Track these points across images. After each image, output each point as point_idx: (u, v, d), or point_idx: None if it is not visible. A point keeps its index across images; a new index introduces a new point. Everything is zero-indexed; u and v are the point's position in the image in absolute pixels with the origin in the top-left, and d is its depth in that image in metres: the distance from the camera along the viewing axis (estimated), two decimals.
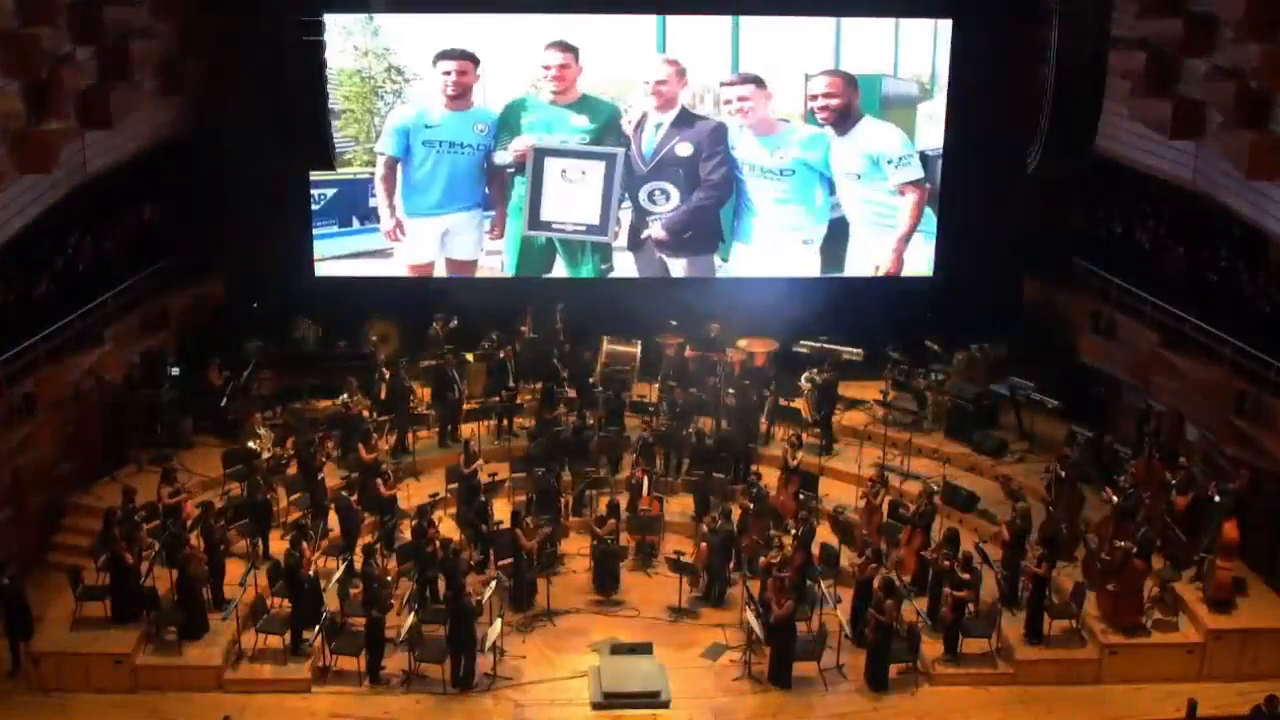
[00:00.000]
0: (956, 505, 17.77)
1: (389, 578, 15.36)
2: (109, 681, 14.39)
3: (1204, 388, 17.36)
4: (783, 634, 14.65)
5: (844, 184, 20.96)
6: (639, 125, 20.69)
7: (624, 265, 21.34)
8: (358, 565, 15.56)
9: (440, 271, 21.19)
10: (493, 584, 15.63)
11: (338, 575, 15.50)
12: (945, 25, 20.49)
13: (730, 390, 19.22)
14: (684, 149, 20.76)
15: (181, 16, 19.10)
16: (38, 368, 16.80)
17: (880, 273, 21.33)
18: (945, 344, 20.46)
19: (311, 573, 15.08)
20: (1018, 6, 19.99)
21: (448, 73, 20.31)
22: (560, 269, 21.31)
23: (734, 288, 21.24)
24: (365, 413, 18.72)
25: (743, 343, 20.83)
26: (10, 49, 15.06)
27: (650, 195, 20.93)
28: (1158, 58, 17.48)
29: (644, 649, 15.02)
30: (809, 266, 21.30)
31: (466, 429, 19.24)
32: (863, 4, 20.30)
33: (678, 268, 21.38)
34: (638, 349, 20.81)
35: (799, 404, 19.79)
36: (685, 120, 20.70)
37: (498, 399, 19.66)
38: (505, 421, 19.66)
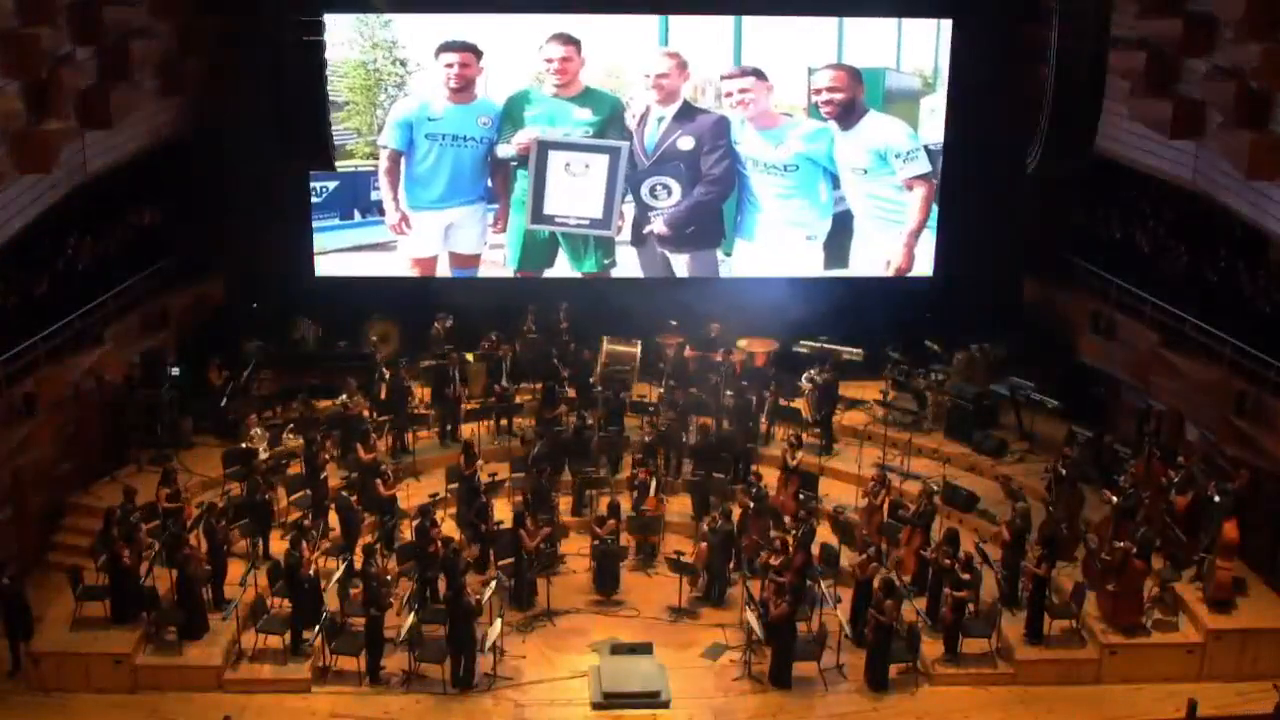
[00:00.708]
0: (956, 505, 17.78)
1: (389, 577, 15.36)
2: (109, 681, 14.39)
3: (1204, 388, 17.37)
4: (782, 634, 14.65)
5: (849, 179, 20.93)
6: (641, 119, 20.66)
7: (627, 260, 21.30)
8: (358, 565, 15.56)
9: (444, 266, 21.16)
10: (493, 584, 15.63)
11: (338, 575, 15.50)
12: (946, 24, 20.48)
13: (729, 391, 19.22)
14: (685, 143, 20.73)
15: (181, 16, 19.11)
16: (38, 368, 16.79)
17: (891, 270, 21.31)
18: (945, 344, 20.46)
19: (312, 573, 15.08)
20: (1018, 6, 20.01)
21: (450, 65, 20.27)
22: (563, 263, 21.26)
23: (735, 287, 21.24)
24: (365, 413, 18.71)
25: (743, 343, 20.82)
26: (10, 49, 15.06)
27: (652, 190, 20.89)
28: (1158, 58, 17.48)
29: (644, 649, 15.02)
30: (813, 263, 21.28)
31: (466, 429, 19.25)
32: (863, 3, 20.31)
33: (680, 263, 21.36)
34: (638, 349, 20.81)
35: (799, 404, 19.80)
36: (687, 114, 20.67)
37: (492, 398, 19.66)
38: (504, 421, 19.66)
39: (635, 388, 20.37)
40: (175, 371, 19.01)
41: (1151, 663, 14.97)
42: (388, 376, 19.15)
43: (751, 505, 16.82)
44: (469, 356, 20.14)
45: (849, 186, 20.97)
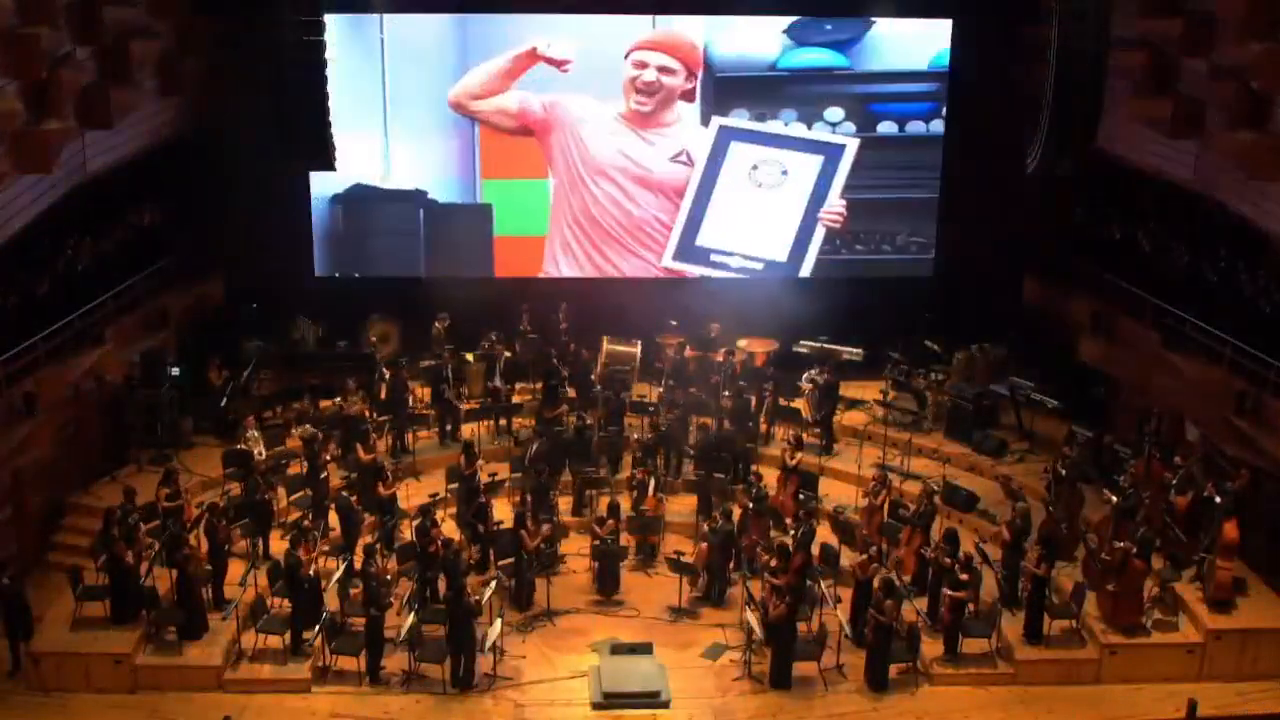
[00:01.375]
0: (956, 505, 17.78)
1: (389, 577, 15.36)
2: (109, 681, 14.38)
3: (1204, 388, 17.35)
4: (782, 634, 14.65)
5: None
6: None
7: (627, 260, 21.17)
8: (358, 565, 15.56)
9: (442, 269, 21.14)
10: (493, 584, 15.63)
11: (338, 575, 15.50)
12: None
13: (726, 392, 19.23)
14: None
15: (181, 16, 19.12)
16: (38, 368, 16.78)
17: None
18: (945, 344, 20.47)
19: (311, 573, 15.07)
20: (1018, 6, 20.00)
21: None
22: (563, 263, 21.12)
23: (735, 287, 21.24)
24: (365, 413, 18.72)
25: (743, 343, 20.82)
26: (10, 49, 15.06)
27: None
28: (1158, 58, 17.49)
29: (644, 649, 15.02)
30: None
31: (466, 429, 19.26)
32: (863, 3, 20.31)
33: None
34: (638, 349, 20.81)
35: (799, 404, 19.80)
36: None
37: (487, 399, 19.65)
38: (503, 421, 19.65)
39: (635, 388, 20.37)
40: (175, 371, 18.99)
41: (1151, 663, 14.97)
42: (388, 376, 19.15)
43: (751, 505, 16.82)
44: (468, 356, 20.14)
45: None
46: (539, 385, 19.95)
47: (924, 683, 14.87)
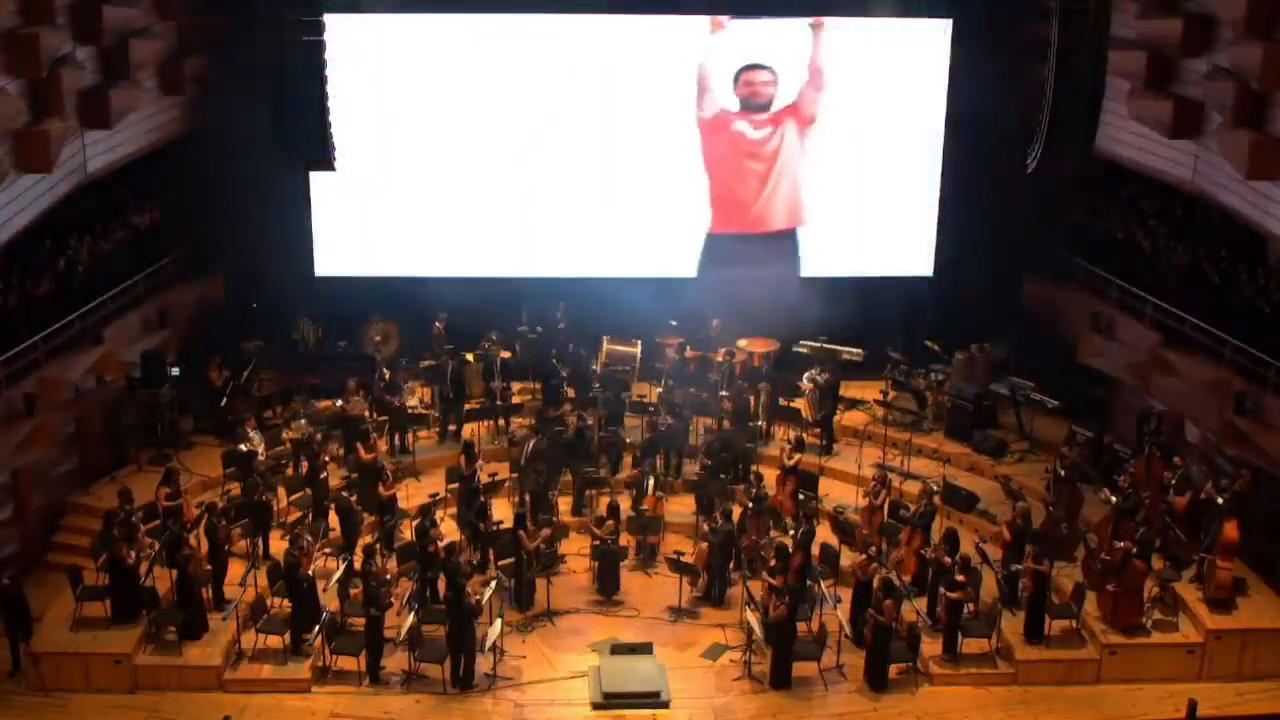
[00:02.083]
0: (956, 505, 17.78)
1: (389, 577, 15.36)
2: (109, 681, 14.39)
3: (1204, 388, 17.35)
4: (782, 635, 14.65)
5: None
6: None
7: (627, 259, 21.17)
8: (357, 565, 15.56)
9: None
10: (493, 584, 15.63)
11: (338, 575, 15.50)
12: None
13: (724, 392, 19.22)
14: None
15: (181, 16, 19.13)
16: (38, 368, 16.78)
17: None
18: (945, 344, 20.46)
19: (310, 572, 15.07)
20: (1018, 6, 20.00)
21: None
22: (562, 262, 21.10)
23: (735, 287, 21.23)
24: (365, 413, 18.72)
25: (743, 343, 20.82)
26: (10, 49, 15.06)
27: None
28: (1158, 58, 17.49)
29: (644, 649, 15.02)
30: None
31: (466, 429, 19.25)
32: (863, 3, 20.31)
33: None
34: (638, 349, 20.81)
35: (799, 404, 19.80)
36: None
37: (485, 399, 19.66)
38: (502, 421, 19.65)
39: (635, 388, 20.36)
40: (175, 371, 19.01)
41: (1151, 663, 14.97)
42: (388, 377, 19.15)
43: (751, 505, 16.82)
44: (469, 357, 20.15)
45: None
46: (539, 385, 19.94)
47: (924, 683, 14.87)
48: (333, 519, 16.91)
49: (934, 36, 20.55)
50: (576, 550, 17.27)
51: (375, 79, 20.16)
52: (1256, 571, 15.81)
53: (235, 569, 15.78)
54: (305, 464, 17.62)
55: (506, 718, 14.25)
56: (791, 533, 16.36)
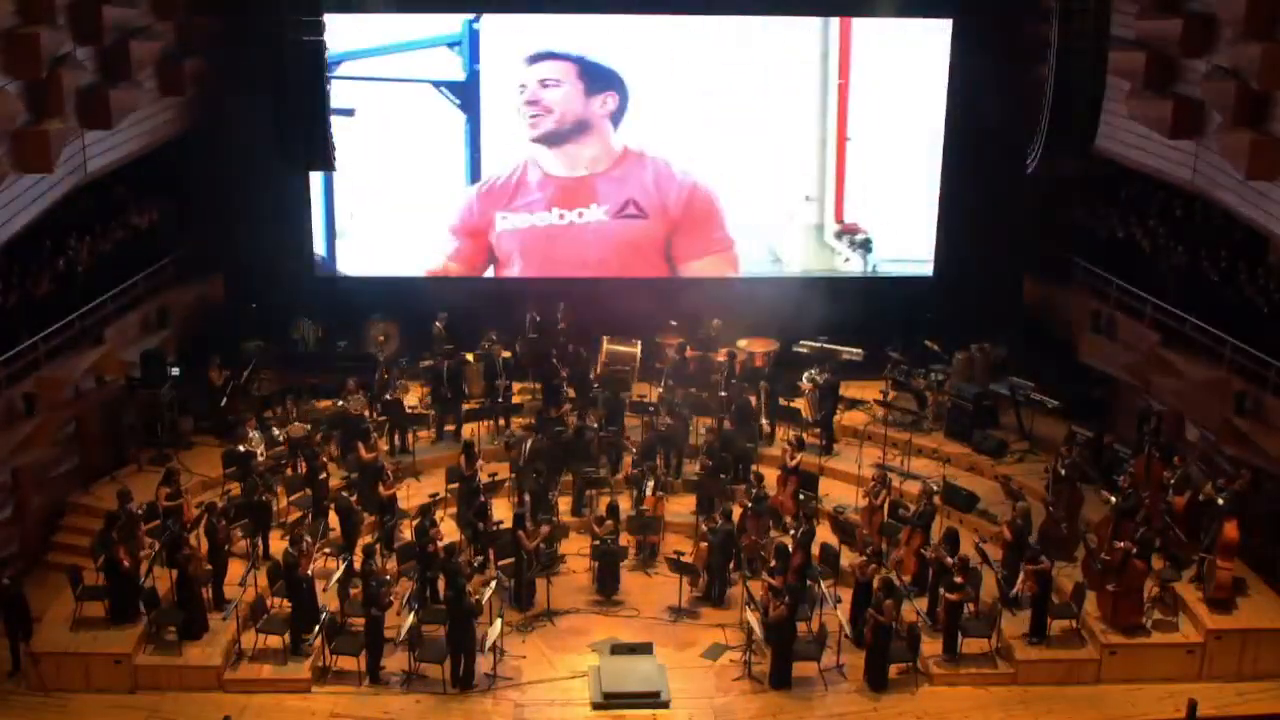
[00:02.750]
0: (956, 505, 17.77)
1: (388, 577, 15.36)
2: (109, 681, 14.39)
3: (1204, 388, 17.35)
4: (782, 635, 14.64)
5: None
6: None
7: (626, 259, 21.17)
8: (357, 565, 15.56)
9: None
10: (493, 584, 15.63)
11: (338, 575, 15.50)
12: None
13: (722, 393, 19.22)
14: None
15: (181, 16, 19.11)
16: (38, 368, 16.79)
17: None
18: (945, 344, 20.46)
19: (310, 572, 15.07)
20: (1018, 6, 20.00)
21: None
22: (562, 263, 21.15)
23: (735, 287, 21.24)
24: (365, 413, 18.72)
25: (743, 343, 20.81)
26: (10, 49, 15.06)
27: None
28: (1158, 58, 17.49)
29: (644, 649, 15.02)
30: None
31: (466, 429, 19.25)
32: (863, 4, 20.30)
33: None
34: (638, 349, 20.80)
35: (800, 404, 19.79)
36: None
37: (486, 398, 19.65)
38: (502, 421, 19.65)
39: (635, 388, 20.36)
40: (175, 371, 19.00)
41: (1151, 663, 14.97)
42: (388, 377, 19.15)
43: (751, 505, 16.82)
44: (469, 356, 20.15)
45: None
46: (539, 385, 19.94)
47: (924, 683, 14.87)
48: (333, 519, 16.91)
49: (934, 36, 20.56)
50: (576, 550, 17.26)
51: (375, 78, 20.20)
52: (1256, 571, 15.80)
53: (235, 569, 15.78)
54: (304, 464, 17.63)
55: (506, 718, 14.25)
56: (791, 532, 16.35)
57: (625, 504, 17.53)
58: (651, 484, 17.50)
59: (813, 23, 20.56)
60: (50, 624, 14.88)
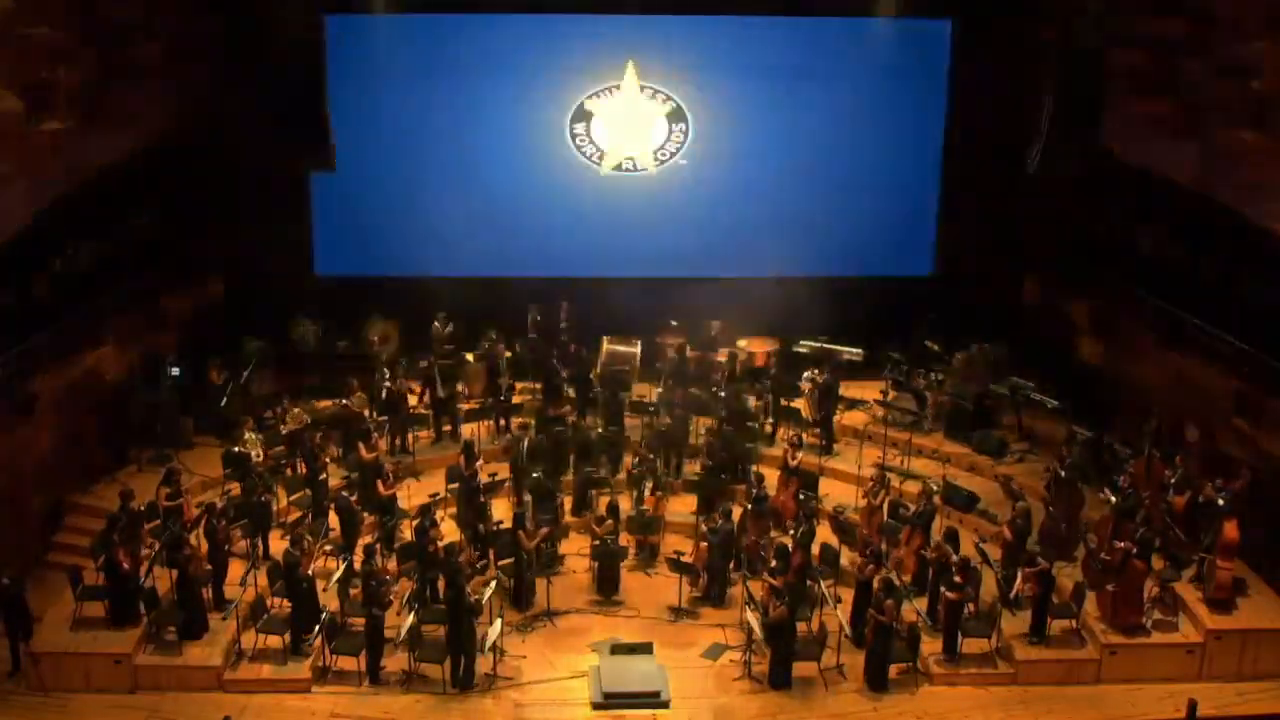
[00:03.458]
0: (956, 505, 17.77)
1: (388, 577, 15.36)
2: (109, 681, 14.39)
3: (1204, 388, 17.36)
4: (782, 635, 14.65)
5: None
6: None
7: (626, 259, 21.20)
8: (357, 565, 15.56)
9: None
10: (493, 584, 15.63)
11: (338, 575, 15.50)
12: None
13: (721, 393, 19.21)
14: None
15: (181, 16, 19.09)
16: (38, 368, 16.78)
17: None
18: (945, 344, 20.46)
19: (310, 572, 15.07)
20: (1018, 6, 20.00)
21: None
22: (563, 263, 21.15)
23: (735, 287, 21.22)
24: (365, 413, 18.71)
25: (743, 343, 20.82)
26: (10, 49, 15.06)
27: None
28: (1158, 58, 17.49)
29: (644, 649, 15.02)
30: None
31: (467, 429, 19.25)
32: (863, 4, 20.30)
33: None
34: (638, 349, 20.80)
35: (799, 404, 19.79)
36: None
37: (487, 398, 19.65)
38: (502, 421, 19.65)
39: (635, 388, 20.36)
40: (175, 371, 18.99)
41: (1151, 663, 14.97)
42: (388, 377, 19.15)
43: (751, 505, 16.82)
44: (469, 356, 20.14)
45: None
46: (539, 385, 19.93)
47: (924, 683, 14.87)
48: (333, 519, 16.91)
49: (934, 37, 20.57)
50: (576, 550, 17.27)
51: (375, 79, 20.16)
52: (1256, 571, 15.81)
53: (235, 569, 15.78)
54: (304, 464, 17.63)
55: (506, 718, 14.25)
56: (791, 532, 16.35)
57: (625, 504, 17.53)
58: (651, 484, 17.50)
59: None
60: (50, 624, 14.88)
